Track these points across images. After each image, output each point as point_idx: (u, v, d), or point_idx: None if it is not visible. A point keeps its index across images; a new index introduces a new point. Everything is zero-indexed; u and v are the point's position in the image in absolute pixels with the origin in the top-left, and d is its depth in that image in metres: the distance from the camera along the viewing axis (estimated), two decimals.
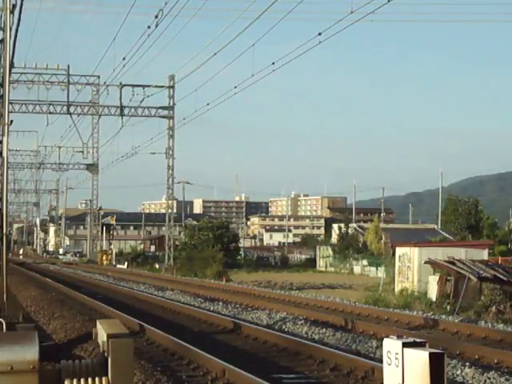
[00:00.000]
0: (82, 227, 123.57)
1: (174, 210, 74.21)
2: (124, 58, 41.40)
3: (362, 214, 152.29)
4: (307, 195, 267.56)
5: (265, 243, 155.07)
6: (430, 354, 5.49)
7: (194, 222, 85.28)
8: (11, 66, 18.01)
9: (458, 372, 12.52)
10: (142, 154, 67.94)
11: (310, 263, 73.08)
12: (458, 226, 68.22)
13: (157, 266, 64.62)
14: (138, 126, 65.86)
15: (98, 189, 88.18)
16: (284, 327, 19.06)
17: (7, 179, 17.80)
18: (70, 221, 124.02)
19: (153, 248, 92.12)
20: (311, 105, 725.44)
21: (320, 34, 26.49)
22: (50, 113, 56.63)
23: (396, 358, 5.67)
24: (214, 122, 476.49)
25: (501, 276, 24.22)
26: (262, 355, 14.77)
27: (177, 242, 70.19)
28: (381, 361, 6.57)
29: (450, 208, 70.65)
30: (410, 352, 5.60)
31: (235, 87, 38.77)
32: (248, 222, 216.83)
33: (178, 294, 30.75)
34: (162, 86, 58.07)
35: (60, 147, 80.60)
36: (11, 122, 17.99)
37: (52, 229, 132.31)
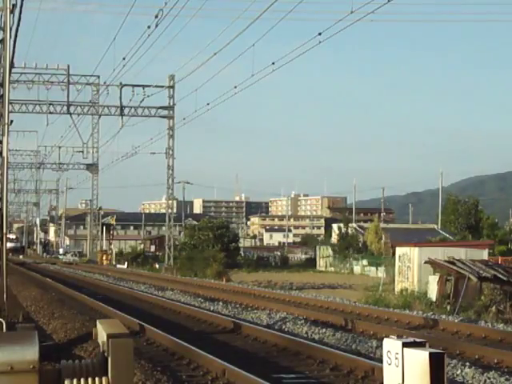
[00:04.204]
0: (82, 227, 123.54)
1: (174, 210, 74.19)
2: (124, 58, 41.42)
3: (362, 214, 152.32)
4: (307, 195, 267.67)
5: (265, 243, 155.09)
6: (430, 354, 5.49)
7: (194, 222, 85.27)
8: (11, 66, 18.00)
9: (458, 372, 12.52)
10: (141, 154, 67.99)
11: (310, 263, 73.06)
12: (458, 225, 68.21)
13: (157, 265, 64.59)
14: (137, 125, 65.77)
15: (98, 189, 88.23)
16: (284, 327, 19.05)
17: (7, 179, 17.80)
18: (70, 221, 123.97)
19: (153, 248, 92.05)
20: (311, 105, 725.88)
21: (320, 33, 26.50)
22: (50, 113, 56.65)
23: (396, 358, 5.68)
24: (213, 121, 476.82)
25: (501, 276, 24.23)
26: (262, 355, 14.77)
27: (177, 242, 70.17)
28: (381, 361, 6.57)
29: (450, 208, 70.63)
30: (410, 352, 5.60)
31: (235, 87, 38.79)
32: (248, 222, 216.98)
33: (178, 294, 30.74)
34: (162, 86, 58.07)
35: (60, 147, 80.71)
36: (11, 122, 17.99)
37: (52, 229, 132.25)
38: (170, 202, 63.07)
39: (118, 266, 68.92)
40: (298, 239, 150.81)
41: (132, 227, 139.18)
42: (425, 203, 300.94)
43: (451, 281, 25.61)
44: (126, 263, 69.69)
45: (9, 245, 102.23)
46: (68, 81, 54.94)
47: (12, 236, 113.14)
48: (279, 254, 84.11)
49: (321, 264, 69.65)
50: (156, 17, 31.72)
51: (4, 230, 17.01)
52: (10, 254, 70.99)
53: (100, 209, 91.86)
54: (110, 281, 42.55)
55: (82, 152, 71.48)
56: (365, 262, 61.75)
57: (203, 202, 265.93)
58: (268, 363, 13.83)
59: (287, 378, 12.42)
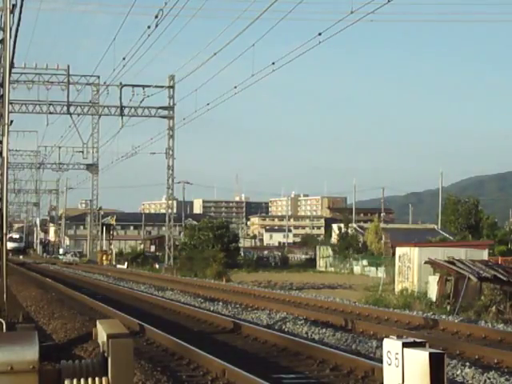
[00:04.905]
0: (82, 227, 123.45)
1: (174, 210, 74.18)
2: (124, 58, 41.46)
3: (362, 214, 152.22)
4: (307, 195, 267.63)
5: (265, 243, 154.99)
6: (430, 354, 5.49)
7: (194, 222, 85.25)
8: (11, 66, 18.00)
9: (458, 372, 12.52)
10: (141, 154, 68.00)
11: (310, 263, 73.06)
12: (458, 225, 68.22)
13: (157, 266, 64.58)
14: (138, 126, 65.72)
15: (98, 189, 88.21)
16: (284, 327, 19.06)
17: (7, 179, 17.79)
18: (70, 221, 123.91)
19: (153, 248, 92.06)
20: (311, 105, 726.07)
21: (320, 34, 26.53)
22: (50, 113, 56.68)
23: (396, 358, 5.67)
24: (214, 122, 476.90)
25: (501, 276, 24.23)
26: (262, 355, 14.77)
27: (177, 242, 70.16)
28: (381, 361, 6.57)
29: (450, 208, 70.64)
30: (410, 352, 5.60)
31: (235, 87, 38.80)
32: (248, 222, 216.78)
33: (178, 294, 30.75)
34: (162, 86, 58.08)
35: (60, 147, 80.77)
36: (11, 122, 17.99)
37: (52, 229, 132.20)
38: (170, 202, 63.07)
39: (118, 266, 68.90)
40: (297, 239, 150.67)
41: (132, 227, 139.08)
42: (425, 203, 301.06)
43: (451, 281, 25.61)
44: (126, 263, 69.66)
45: (12, 245, 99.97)
46: (68, 81, 54.96)
47: (16, 235, 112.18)
48: (279, 253, 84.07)
49: (321, 264, 69.65)
50: (156, 17, 31.76)
51: (4, 230, 17.01)
52: (10, 254, 70.77)
53: (100, 209, 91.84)
54: (110, 281, 42.54)
55: (82, 152, 71.50)
56: (365, 262, 61.75)
57: (203, 202, 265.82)
58: (268, 363, 13.83)
59: (287, 378, 12.42)
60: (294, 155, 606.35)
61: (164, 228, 71.13)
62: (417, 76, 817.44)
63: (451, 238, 63.49)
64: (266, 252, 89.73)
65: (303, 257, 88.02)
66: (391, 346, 5.74)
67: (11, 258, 68.55)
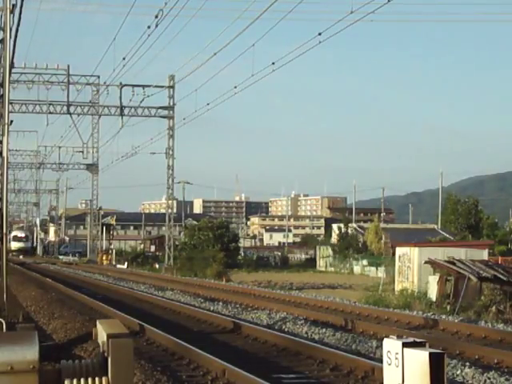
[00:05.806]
0: (82, 227, 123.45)
1: (174, 210, 74.16)
2: (124, 58, 41.46)
3: (362, 214, 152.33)
4: (307, 195, 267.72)
5: (265, 243, 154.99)
6: (430, 354, 5.49)
7: (194, 222, 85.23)
8: (11, 66, 18.01)
9: (458, 372, 12.52)
10: (141, 154, 67.95)
11: (310, 263, 73.07)
12: (458, 226, 68.22)
13: (157, 266, 64.56)
14: (138, 125, 65.71)
15: (98, 189, 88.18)
16: (284, 327, 19.05)
17: (7, 179, 17.80)
18: (70, 221, 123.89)
19: (153, 248, 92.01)
20: (311, 105, 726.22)
21: (320, 34, 26.51)
22: (50, 113, 56.68)
23: (396, 358, 5.68)
24: (214, 121, 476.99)
25: (501, 276, 24.22)
26: (262, 355, 14.77)
27: (177, 242, 70.14)
28: (381, 361, 6.57)
29: (450, 208, 70.65)
30: (410, 352, 5.61)
31: (235, 87, 38.80)
32: (248, 222, 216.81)
33: (178, 294, 30.74)
34: (162, 86, 58.08)
35: (60, 147, 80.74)
36: (11, 122, 18.00)
37: (52, 229, 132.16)
38: (170, 202, 63.05)
39: (118, 266, 68.87)
40: (297, 239, 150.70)
41: (132, 227, 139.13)
42: (425, 203, 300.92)
43: (451, 281, 25.62)
44: (126, 263, 69.64)
45: (17, 245, 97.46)
46: (68, 81, 54.99)
47: (20, 234, 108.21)
48: (279, 253, 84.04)
49: (321, 264, 69.65)
50: (156, 17, 31.74)
51: (4, 230, 17.01)
52: (10, 255, 70.55)
53: (100, 209, 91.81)
54: (110, 281, 42.51)
55: (82, 152, 71.51)
56: (365, 262, 61.76)
57: (203, 202, 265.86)
58: (268, 363, 13.83)
59: (287, 378, 12.42)
60: (294, 155, 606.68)
61: (164, 228, 71.11)
62: (417, 76, 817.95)
63: (451, 237, 63.48)
64: (250, 252, 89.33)
65: (303, 257, 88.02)
66: (391, 345, 5.74)
67: (11, 257, 68.50)
